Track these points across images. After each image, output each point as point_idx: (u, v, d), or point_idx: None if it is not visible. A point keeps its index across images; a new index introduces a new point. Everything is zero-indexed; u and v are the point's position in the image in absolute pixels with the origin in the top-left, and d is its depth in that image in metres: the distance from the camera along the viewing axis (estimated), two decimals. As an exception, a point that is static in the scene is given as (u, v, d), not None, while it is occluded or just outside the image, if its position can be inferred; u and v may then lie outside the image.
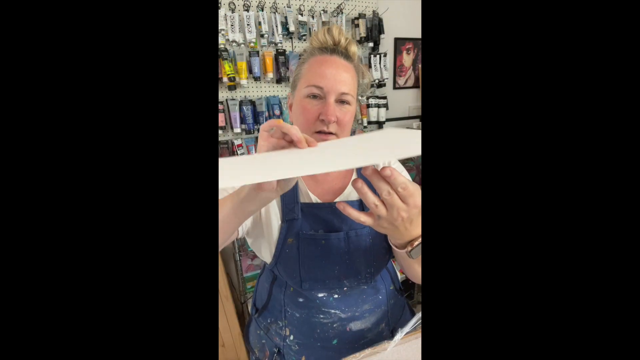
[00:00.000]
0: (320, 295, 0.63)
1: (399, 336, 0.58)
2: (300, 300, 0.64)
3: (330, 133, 0.56)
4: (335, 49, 0.58)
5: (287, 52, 1.54)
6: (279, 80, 1.57)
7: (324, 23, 1.59)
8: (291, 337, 0.65)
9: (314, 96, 0.55)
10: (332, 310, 0.64)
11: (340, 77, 0.55)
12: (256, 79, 1.50)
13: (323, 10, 1.59)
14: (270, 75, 1.52)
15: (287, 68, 1.54)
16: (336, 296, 0.63)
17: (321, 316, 0.64)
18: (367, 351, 0.57)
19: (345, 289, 0.63)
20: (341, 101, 0.56)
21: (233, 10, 1.39)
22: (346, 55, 0.58)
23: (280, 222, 0.61)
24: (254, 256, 1.57)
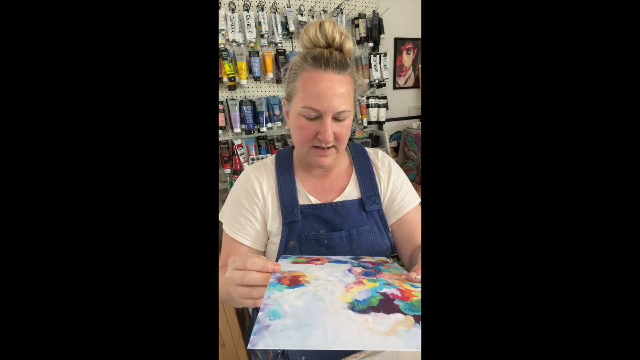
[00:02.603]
0: None
1: (399, 336, 0.58)
2: None
3: (328, 147, 0.56)
4: (329, 59, 0.53)
5: (287, 52, 1.54)
6: (279, 80, 1.57)
7: (324, 23, 1.59)
8: None
9: (311, 116, 0.54)
10: None
11: (336, 96, 0.52)
12: (256, 79, 1.50)
13: (323, 10, 1.59)
14: (270, 75, 1.52)
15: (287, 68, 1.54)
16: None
17: None
18: (367, 351, 0.57)
19: None
20: (338, 118, 0.54)
21: (233, 10, 1.39)
22: (342, 65, 0.54)
23: (280, 225, 0.61)
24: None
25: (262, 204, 0.62)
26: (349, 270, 0.43)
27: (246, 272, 0.38)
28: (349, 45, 0.57)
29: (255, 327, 0.28)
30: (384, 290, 0.36)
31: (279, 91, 1.61)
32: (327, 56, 0.54)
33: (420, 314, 0.31)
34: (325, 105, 0.52)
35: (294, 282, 0.36)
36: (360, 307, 0.32)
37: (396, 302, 0.33)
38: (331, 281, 0.37)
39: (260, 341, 0.26)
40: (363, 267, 0.45)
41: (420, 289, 0.37)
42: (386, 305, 0.33)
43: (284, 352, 0.66)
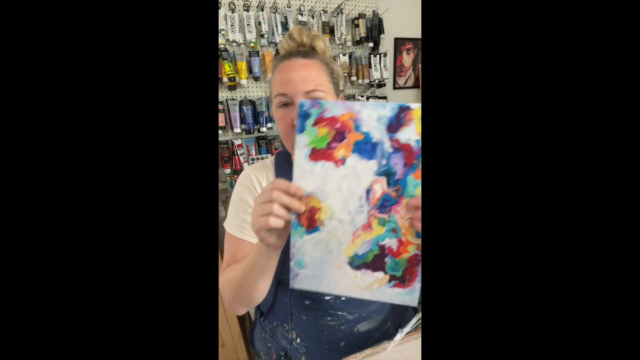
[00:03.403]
0: (327, 297, 0.63)
1: (399, 336, 0.58)
2: (307, 302, 0.63)
3: None
4: (293, 51, 0.57)
5: (287, 52, 1.54)
6: (279, 80, 1.57)
7: (324, 23, 1.59)
8: (298, 340, 0.65)
9: (284, 104, 0.55)
10: (340, 312, 0.63)
11: (302, 77, 0.54)
12: (256, 79, 1.50)
13: (323, 10, 1.59)
14: (270, 75, 1.52)
15: (287, 68, 1.54)
16: (343, 298, 0.63)
17: (328, 318, 0.63)
18: (368, 351, 0.57)
19: None
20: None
21: (233, 10, 1.39)
22: (308, 53, 0.57)
23: None
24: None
25: None
26: (367, 194, 0.39)
27: (272, 190, 0.39)
28: (320, 43, 0.59)
29: (291, 274, 0.43)
30: (385, 242, 0.41)
31: (279, 91, 1.61)
32: (293, 50, 0.58)
33: (397, 273, 0.41)
34: (291, 88, 0.54)
35: (311, 223, 0.42)
36: (356, 263, 0.42)
37: (387, 259, 0.41)
38: (343, 222, 0.41)
39: (296, 284, 0.44)
40: (389, 174, 0.39)
41: (419, 241, 0.40)
42: (377, 262, 0.42)
43: (286, 354, 0.66)
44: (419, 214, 0.38)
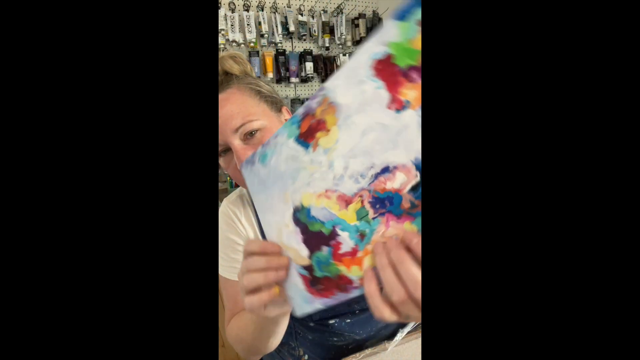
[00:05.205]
0: (332, 322, 0.61)
1: (399, 336, 0.58)
2: (311, 324, 0.62)
3: None
4: None
5: (287, 52, 1.54)
6: (279, 80, 1.57)
7: (324, 23, 1.60)
8: (306, 357, 0.64)
9: (223, 151, 0.50)
10: (347, 333, 0.62)
11: (223, 116, 0.47)
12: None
13: (323, 10, 1.60)
14: (270, 75, 1.52)
15: (287, 68, 1.55)
16: (348, 320, 0.62)
17: (335, 339, 0.62)
18: (368, 351, 0.57)
19: (356, 312, 0.61)
20: (250, 133, 0.47)
21: (233, 10, 1.40)
22: (220, 84, 0.50)
23: None
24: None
25: (245, 237, 0.60)
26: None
27: (250, 258, 0.35)
28: (231, 65, 0.52)
29: (250, 157, 0.35)
30: (342, 233, 0.29)
31: (279, 91, 1.61)
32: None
33: (318, 273, 0.30)
34: (218, 132, 0.48)
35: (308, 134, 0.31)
36: (301, 217, 0.32)
37: (324, 248, 0.30)
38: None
39: (244, 169, 0.36)
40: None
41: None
42: (316, 237, 0.31)
43: None
44: (418, 294, 0.26)
